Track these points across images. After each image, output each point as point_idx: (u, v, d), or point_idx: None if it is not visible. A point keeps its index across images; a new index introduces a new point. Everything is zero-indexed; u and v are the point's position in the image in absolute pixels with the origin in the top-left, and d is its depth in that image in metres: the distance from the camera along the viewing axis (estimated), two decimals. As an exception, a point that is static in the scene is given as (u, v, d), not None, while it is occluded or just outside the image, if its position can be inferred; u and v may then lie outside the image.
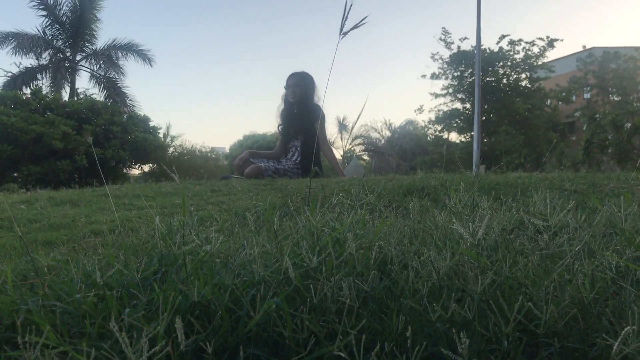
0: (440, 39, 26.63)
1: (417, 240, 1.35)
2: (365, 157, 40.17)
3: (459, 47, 26.63)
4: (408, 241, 1.30)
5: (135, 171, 14.22)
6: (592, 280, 1.11)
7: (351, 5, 1.62)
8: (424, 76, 28.66)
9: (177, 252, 1.23)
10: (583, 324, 1.01)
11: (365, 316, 1.02)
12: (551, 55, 28.64)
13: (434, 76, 28.11)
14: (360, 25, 1.55)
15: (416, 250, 1.26)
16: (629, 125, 17.31)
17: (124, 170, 12.99)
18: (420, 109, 30.49)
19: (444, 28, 25.81)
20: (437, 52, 27.11)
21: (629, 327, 0.85)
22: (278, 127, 5.46)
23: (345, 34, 1.57)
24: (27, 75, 20.82)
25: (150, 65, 22.35)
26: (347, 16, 1.66)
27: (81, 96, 18.18)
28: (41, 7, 20.92)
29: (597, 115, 19.30)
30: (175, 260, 1.29)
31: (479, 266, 1.14)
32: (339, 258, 1.15)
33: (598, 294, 1.07)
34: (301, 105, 5.22)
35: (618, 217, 1.26)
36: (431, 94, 28.95)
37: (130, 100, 22.48)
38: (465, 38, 26.34)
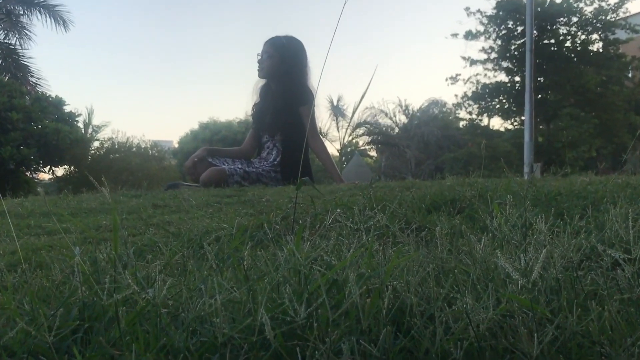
0: None
1: (447, 280, 1.36)
2: (372, 153, 40.26)
3: None
4: (434, 282, 1.30)
5: (45, 176, 14.17)
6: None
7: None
8: (455, 35, 28.67)
9: (105, 302, 1.23)
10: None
11: (375, 392, 1.03)
12: (634, 7, 28.81)
13: (470, 35, 28.14)
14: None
15: (446, 295, 1.26)
16: None
17: (29, 174, 12.93)
18: (454, 79, 30.21)
19: None
20: None
21: None
22: (252, 108, 5.49)
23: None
24: None
25: (65, 28, 22.26)
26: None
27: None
28: None
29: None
30: (104, 313, 1.28)
31: (534, 318, 1.14)
32: (337, 308, 1.15)
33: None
34: (279, 82, 5.24)
35: None
36: (465, 58, 28.92)
37: (37, 76, 22.37)
38: (517, -19, 26.35)
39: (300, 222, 2.34)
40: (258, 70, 5.32)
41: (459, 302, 1.20)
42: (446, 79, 32.11)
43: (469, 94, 29.22)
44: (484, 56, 28.35)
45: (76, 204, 3.67)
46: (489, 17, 27.51)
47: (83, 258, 1.66)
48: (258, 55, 5.31)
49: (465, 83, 29.40)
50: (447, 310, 1.19)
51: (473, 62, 28.68)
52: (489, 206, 2.37)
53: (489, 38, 27.94)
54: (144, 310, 1.23)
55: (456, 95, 35.41)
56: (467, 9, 28.07)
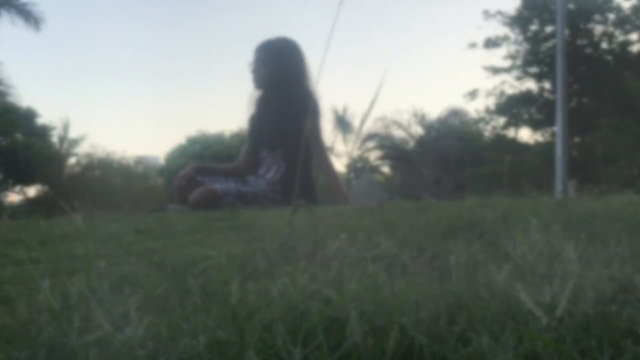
0: None
1: (462, 317, 1.35)
2: (385, 170, 40.22)
3: None
4: (447, 319, 1.30)
5: (15, 197, 14.21)
6: None
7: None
8: (473, 45, 28.72)
9: (76, 344, 1.23)
10: None
11: None
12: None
13: (490, 43, 28.17)
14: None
15: (460, 333, 1.26)
16: None
17: (-4, 196, 12.97)
18: (472, 95, 30.33)
19: None
20: None
21: None
22: (249, 120, 5.48)
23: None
24: None
25: (37, 26, 22.38)
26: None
27: None
28: None
29: None
30: (74, 356, 1.28)
31: (560, 359, 1.14)
32: (336, 350, 1.15)
33: None
34: (279, 92, 5.24)
35: None
36: (487, 68, 28.95)
37: (6, 84, 22.49)
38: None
39: (299, 250, 2.34)
40: (253, 81, 5.30)
41: (474, 342, 1.20)
42: (464, 96, 31.61)
43: (492, 107, 29.22)
44: (508, 62, 28.38)
45: (48, 229, 3.66)
46: (514, 19, 27.47)
47: (53, 292, 1.66)
48: (250, 64, 5.30)
49: (486, 97, 29.41)
50: (462, 351, 1.18)
51: (496, 71, 28.66)
52: (512, 230, 2.36)
53: (513, 41, 27.92)
54: (119, 353, 1.23)
55: (477, 110, 35.35)
56: (485, 12, 28.02)
